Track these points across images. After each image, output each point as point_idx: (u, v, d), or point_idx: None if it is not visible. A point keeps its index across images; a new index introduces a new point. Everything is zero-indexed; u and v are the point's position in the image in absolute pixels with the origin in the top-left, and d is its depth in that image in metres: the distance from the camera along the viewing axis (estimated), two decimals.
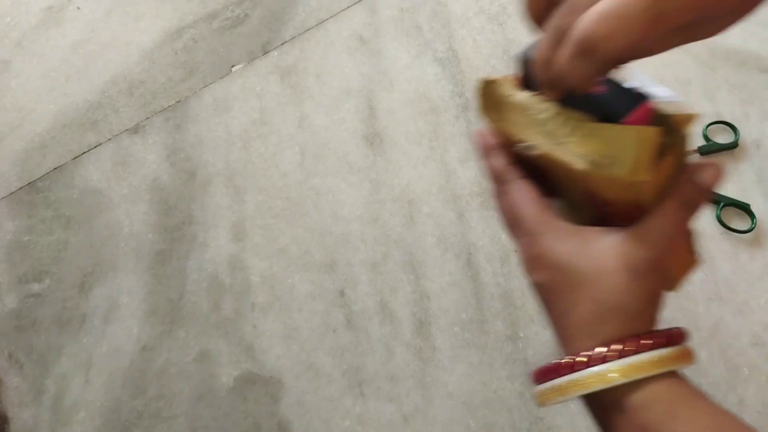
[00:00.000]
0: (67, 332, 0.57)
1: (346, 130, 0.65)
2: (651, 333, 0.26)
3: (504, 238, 0.58)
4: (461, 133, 0.64)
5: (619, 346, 0.26)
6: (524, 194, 0.27)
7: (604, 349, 0.26)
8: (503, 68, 0.67)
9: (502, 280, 0.57)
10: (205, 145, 0.65)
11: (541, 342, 0.55)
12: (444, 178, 0.62)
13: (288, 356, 0.56)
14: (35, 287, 0.59)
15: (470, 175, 0.62)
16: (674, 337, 0.26)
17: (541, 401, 0.27)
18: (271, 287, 0.58)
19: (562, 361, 0.27)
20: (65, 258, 0.60)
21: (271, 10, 0.72)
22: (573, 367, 0.26)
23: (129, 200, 0.63)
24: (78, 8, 0.73)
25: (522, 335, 0.56)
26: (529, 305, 0.56)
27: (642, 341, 0.26)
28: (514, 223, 0.28)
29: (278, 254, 0.60)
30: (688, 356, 0.26)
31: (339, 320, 0.57)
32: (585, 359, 0.26)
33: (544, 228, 0.26)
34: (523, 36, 0.69)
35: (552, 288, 0.27)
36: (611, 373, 0.25)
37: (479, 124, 0.64)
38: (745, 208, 0.58)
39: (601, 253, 0.25)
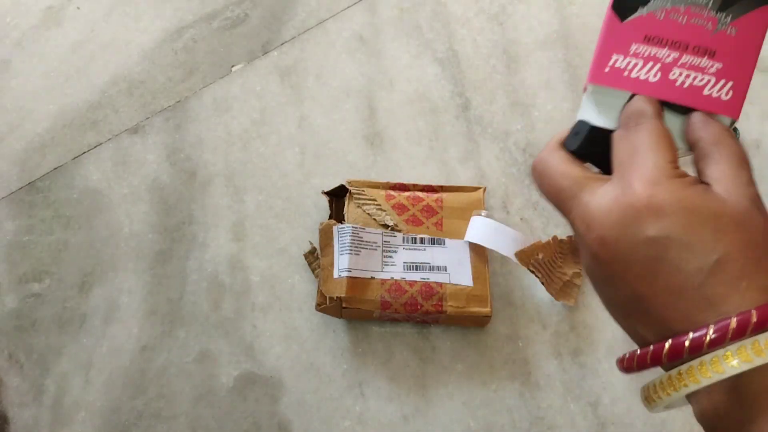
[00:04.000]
0: (67, 332, 0.57)
1: (346, 130, 0.65)
2: None
3: None
4: (461, 133, 0.65)
5: None
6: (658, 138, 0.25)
7: None
8: (503, 68, 0.67)
9: (502, 280, 0.57)
10: (205, 145, 0.65)
11: (541, 342, 0.55)
12: (444, 178, 0.62)
13: (288, 356, 0.56)
14: (35, 287, 0.59)
15: (470, 174, 0.62)
16: None
17: (664, 392, 0.23)
18: (271, 287, 0.58)
19: (704, 330, 0.21)
20: (65, 258, 0.60)
21: (271, 10, 0.72)
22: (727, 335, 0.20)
23: (129, 200, 0.63)
24: (78, 8, 0.73)
25: (522, 335, 0.56)
26: (529, 305, 0.56)
27: None
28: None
29: (278, 254, 0.60)
30: None
31: (339, 320, 0.57)
32: (754, 317, 0.20)
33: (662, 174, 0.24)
34: (522, 36, 0.69)
35: (679, 239, 0.22)
36: None
37: (481, 117, 0.64)
38: None
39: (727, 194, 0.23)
